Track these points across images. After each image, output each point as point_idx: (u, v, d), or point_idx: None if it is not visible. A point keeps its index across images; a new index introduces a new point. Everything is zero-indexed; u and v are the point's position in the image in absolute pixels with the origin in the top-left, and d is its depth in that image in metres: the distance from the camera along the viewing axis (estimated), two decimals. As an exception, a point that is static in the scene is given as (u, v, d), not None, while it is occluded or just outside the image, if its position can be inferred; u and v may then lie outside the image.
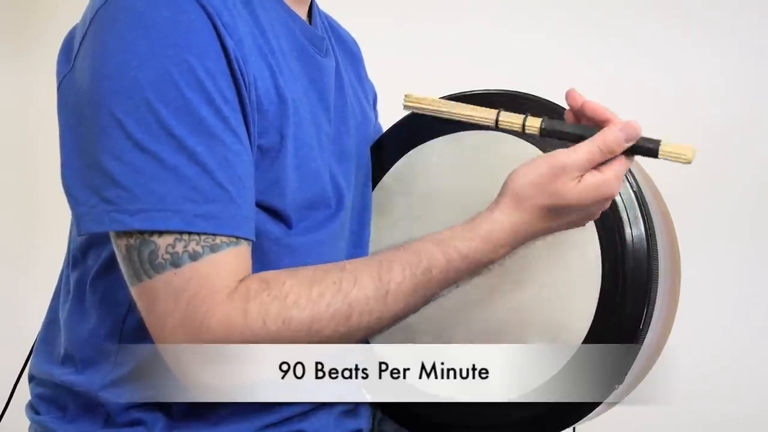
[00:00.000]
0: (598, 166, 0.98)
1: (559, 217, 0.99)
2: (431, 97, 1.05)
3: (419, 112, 1.05)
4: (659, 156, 0.96)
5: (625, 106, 2.00)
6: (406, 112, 1.22)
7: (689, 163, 0.95)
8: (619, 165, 0.98)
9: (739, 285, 1.99)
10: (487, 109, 1.02)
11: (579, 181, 0.97)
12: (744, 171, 2.02)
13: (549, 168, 0.98)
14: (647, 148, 0.97)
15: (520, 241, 1.00)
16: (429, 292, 1.00)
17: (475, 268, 1.00)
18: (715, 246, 1.97)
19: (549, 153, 0.99)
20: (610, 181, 0.97)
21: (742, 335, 1.98)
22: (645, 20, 2.08)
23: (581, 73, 2.08)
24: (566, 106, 1.06)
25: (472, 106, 1.03)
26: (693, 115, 2.02)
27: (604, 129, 0.98)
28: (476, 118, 1.02)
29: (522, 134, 1.04)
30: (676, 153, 0.96)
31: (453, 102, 1.04)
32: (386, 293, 0.97)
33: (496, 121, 1.02)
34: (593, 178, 0.97)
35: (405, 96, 1.06)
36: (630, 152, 0.97)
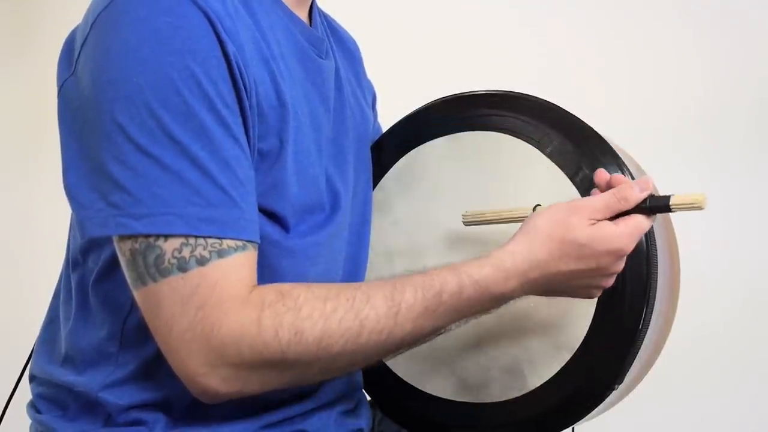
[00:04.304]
0: (615, 219, 1.00)
1: (570, 258, 1.00)
2: (487, 210, 1.11)
3: (478, 224, 1.12)
4: (672, 208, 1.00)
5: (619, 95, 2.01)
6: (406, 112, 1.23)
7: (702, 209, 0.99)
8: (635, 222, 1.00)
9: (739, 283, 1.99)
10: (525, 207, 1.07)
11: (593, 224, 1.00)
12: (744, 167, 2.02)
13: (566, 206, 1.01)
14: (660, 203, 1.00)
15: (530, 276, 1.00)
16: (439, 317, 0.99)
17: (486, 299, 1.00)
18: (714, 244, 1.97)
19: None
20: (622, 234, 0.99)
21: (742, 335, 1.98)
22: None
23: (581, 73, 2.08)
24: (565, 106, 1.06)
25: (512, 208, 1.09)
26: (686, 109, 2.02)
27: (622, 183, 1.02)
28: (517, 217, 1.07)
29: (522, 137, 1.10)
30: (689, 203, 0.99)
31: (499, 209, 1.10)
32: (396, 313, 0.97)
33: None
34: (607, 226, 1.00)
35: (463, 215, 1.12)
36: (646, 211, 1.01)
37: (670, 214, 1.06)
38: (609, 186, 1.03)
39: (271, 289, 0.96)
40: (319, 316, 0.95)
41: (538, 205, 1.07)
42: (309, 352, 0.95)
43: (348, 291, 0.97)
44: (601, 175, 1.04)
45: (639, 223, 1.01)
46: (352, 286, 0.99)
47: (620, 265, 1.02)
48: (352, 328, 0.96)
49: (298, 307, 0.95)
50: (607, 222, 1.00)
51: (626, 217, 1.00)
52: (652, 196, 1.01)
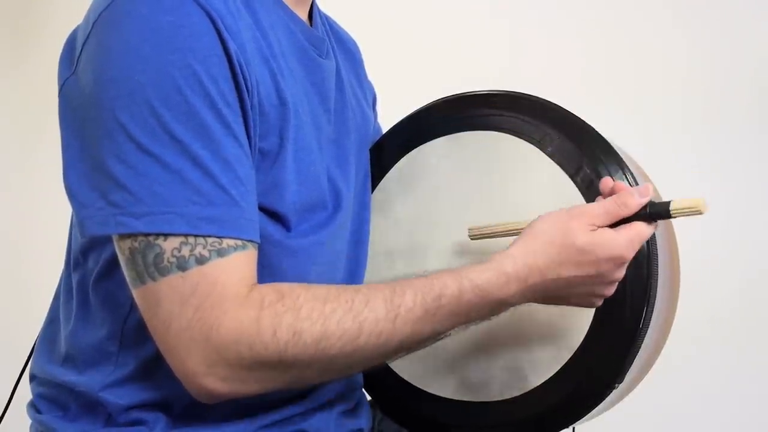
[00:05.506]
0: (616, 227, 1.00)
1: (570, 263, 1.00)
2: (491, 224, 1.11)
3: (484, 238, 1.11)
4: (672, 213, 1.00)
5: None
6: (406, 113, 1.23)
7: (702, 214, 0.99)
8: (635, 230, 1.00)
9: (738, 282, 1.99)
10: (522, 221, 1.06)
11: (593, 230, 1.00)
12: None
13: (566, 212, 1.01)
14: (660, 209, 1.00)
15: (530, 281, 1.00)
16: (438, 321, 0.99)
17: (485, 303, 1.00)
18: (713, 242, 1.97)
19: None
20: (622, 242, 1.00)
21: (743, 334, 1.98)
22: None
23: (584, 73, 2.09)
24: (566, 106, 1.06)
25: (518, 221, 1.07)
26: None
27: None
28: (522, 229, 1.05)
29: (524, 137, 1.11)
30: (688, 207, 0.99)
31: (504, 222, 1.10)
32: (396, 316, 0.97)
33: None
34: (607, 233, 1.00)
35: (468, 230, 1.12)
36: (647, 218, 1.01)
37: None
38: (613, 194, 1.03)
39: (270, 289, 0.96)
40: (318, 316, 0.95)
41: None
42: (307, 352, 0.94)
43: (348, 293, 0.97)
44: (606, 182, 1.05)
45: (640, 230, 1.01)
46: (353, 288, 0.99)
47: (621, 273, 1.02)
48: (351, 329, 0.95)
49: (298, 307, 0.95)
50: (608, 228, 1.00)
51: (627, 224, 1.00)
52: (651, 203, 1.01)
